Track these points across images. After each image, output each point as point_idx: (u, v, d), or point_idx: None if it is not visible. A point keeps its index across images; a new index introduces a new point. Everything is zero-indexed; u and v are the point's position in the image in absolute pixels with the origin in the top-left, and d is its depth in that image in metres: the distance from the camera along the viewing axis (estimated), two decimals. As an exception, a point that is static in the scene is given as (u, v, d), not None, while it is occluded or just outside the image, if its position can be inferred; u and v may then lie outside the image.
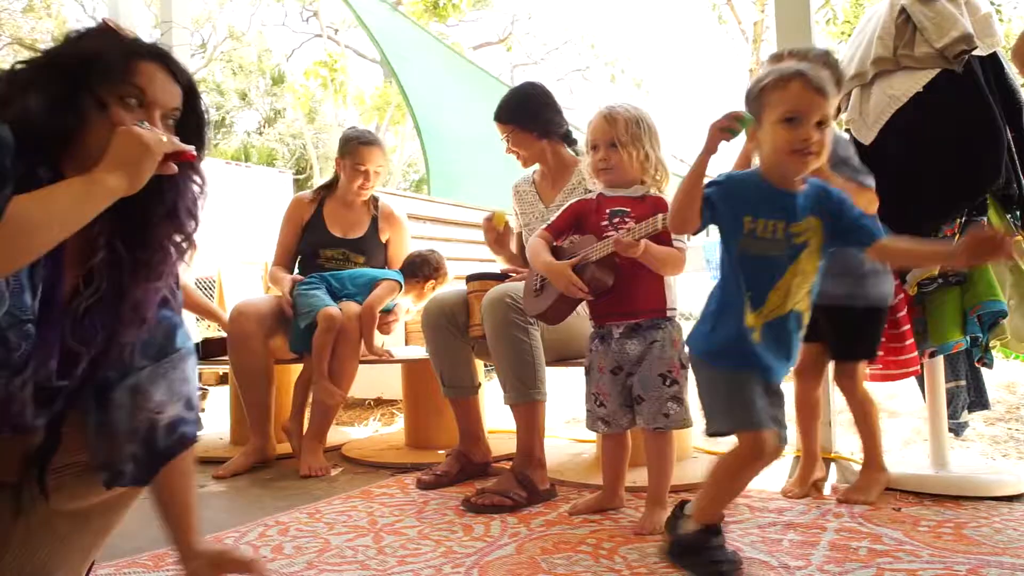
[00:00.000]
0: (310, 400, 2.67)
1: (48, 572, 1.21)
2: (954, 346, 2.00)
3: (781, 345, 1.43)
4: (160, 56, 1.19)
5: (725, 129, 1.38)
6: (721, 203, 1.43)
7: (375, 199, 3.00)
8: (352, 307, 2.66)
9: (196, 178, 1.24)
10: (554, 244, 1.94)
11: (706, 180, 1.43)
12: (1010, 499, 1.86)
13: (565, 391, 3.69)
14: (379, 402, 4.08)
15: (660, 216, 1.68)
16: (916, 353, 2.03)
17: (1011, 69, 2.08)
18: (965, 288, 2.00)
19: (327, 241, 2.89)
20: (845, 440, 2.37)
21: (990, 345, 2.09)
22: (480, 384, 2.43)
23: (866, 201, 1.74)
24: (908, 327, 2.03)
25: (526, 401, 2.08)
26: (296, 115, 18.22)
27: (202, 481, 2.45)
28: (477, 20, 18.40)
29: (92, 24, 1.24)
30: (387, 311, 2.81)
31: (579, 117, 2.66)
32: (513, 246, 2.61)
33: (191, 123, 1.23)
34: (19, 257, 1.02)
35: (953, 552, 1.50)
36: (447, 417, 2.52)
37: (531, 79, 2.79)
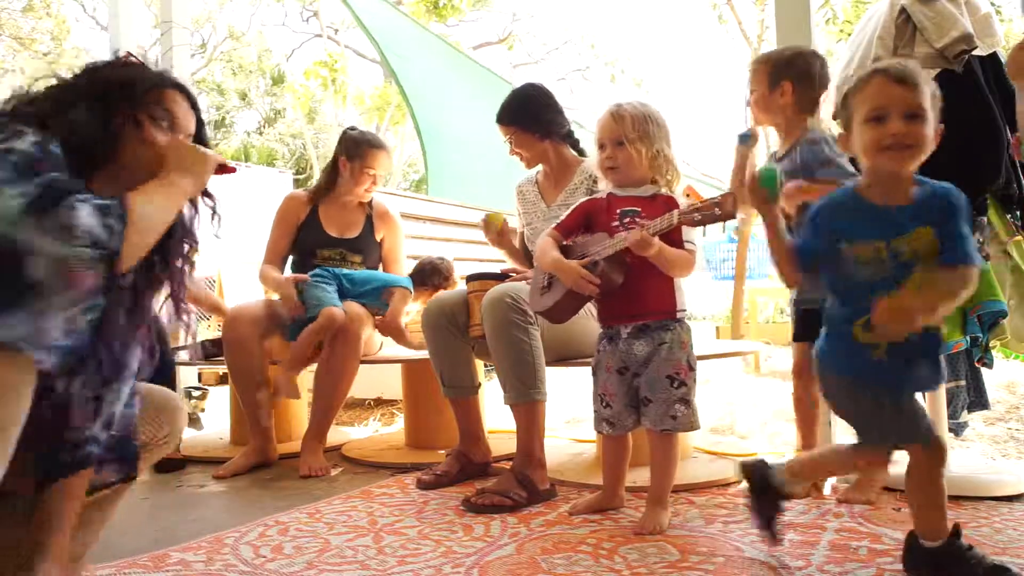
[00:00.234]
0: (309, 401, 2.68)
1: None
2: (954, 346, 2.00)
3: (913, 365, 1.33)
4: (183, 88, 1.35)
5: (759, 195, 1.35)
6: (815, 239, 1.36)
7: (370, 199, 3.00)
8: (354, 308, 2.66)
9: (207, 200, 1.40)
10: (563, 243, 1.93)
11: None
12: (1010, 499, 1.87)
13: (565, 391, 3.69)
14: (379, 402, 4.08)
15: (676, 212, 1.68)
16: (916, 353, 2.03)
17: (1011, 69, 2.09)
18: (965, 288, 2.00)
19: (324, 241, 2.87)
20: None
21: (990, 345, 2.09)
22: (480, 384, 2.43)
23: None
24: (908, 327, 2.03)
25: (526, 401, 2.08)
26: (296, 115, 18.21)
27: (202, 481, 2.45)
28: (477, 20, 18.39)
29: (115, 55, 1.38)
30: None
31: (579, 117, 2.66)
32: (516, 242, 2.62)
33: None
34: (141, 252, 1.16)
35: (953, 552, 1.50)
36: (447, 417, 2.52)
37: (532, 80, 2.79)
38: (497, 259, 2.80)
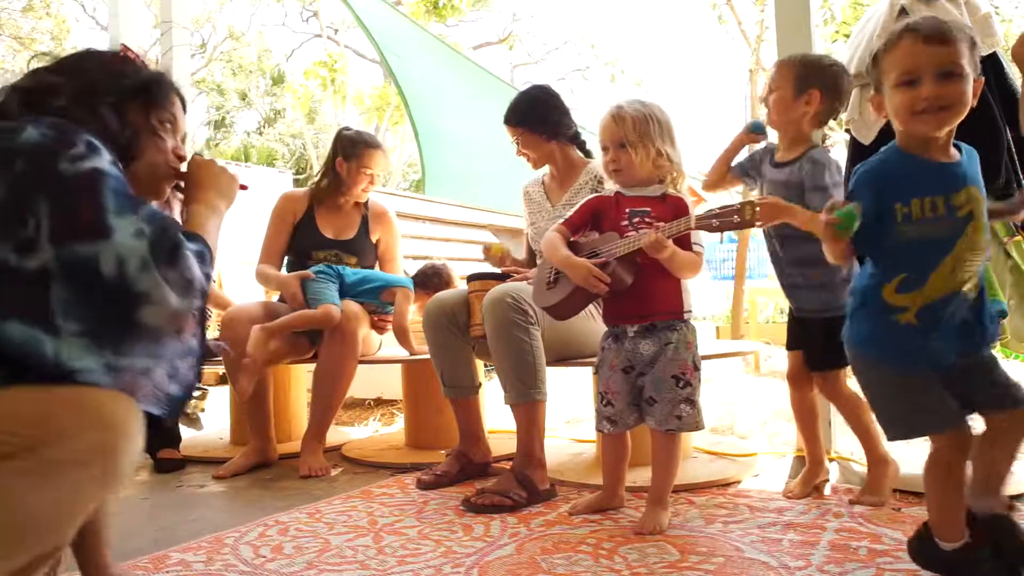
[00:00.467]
0: (308, 400, 2.67)
1: None
2: (954, 346, 2.00)
3: (948, 329, 1.28)
4: (178, 89, 1.35)
5: (833, 231, 1.27)
6: (863, 203, 1.27)
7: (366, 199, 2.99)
8: (352, 306, 2.65)
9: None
10: (571, 240, 1.93)
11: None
12: (1010, 499, 1.86)
13: (565, 391, 3.69)
14: (379, 402, 4.08)
15: (692, 217, 1.69)
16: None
17: (1011, 69, 2.08)
18: (965, 288, 2.00)
19: (319, 242, 2.87)
20: (845, 440, 2.37)
21: (990, 345, 2.09)
22: (480, 384, 2.43)
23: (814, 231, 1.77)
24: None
25: (526, 401, 2.08)
26: (296, 115, 18.22)
27: (202, 481, 2.45)
28: (477, 20, 18.40)
29: (110, 46, 1.39)
30: (387, 312, 2.82)
31: (579, 117, 2.66)
32: (522, 253, 2.63)
33: None
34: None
35: (953, 552, 1.50)
36: (447, 417, 2.52)
37: (532, 80, 2.80)
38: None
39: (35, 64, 1.21)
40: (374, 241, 2.97)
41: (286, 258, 2.95)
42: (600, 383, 1.90)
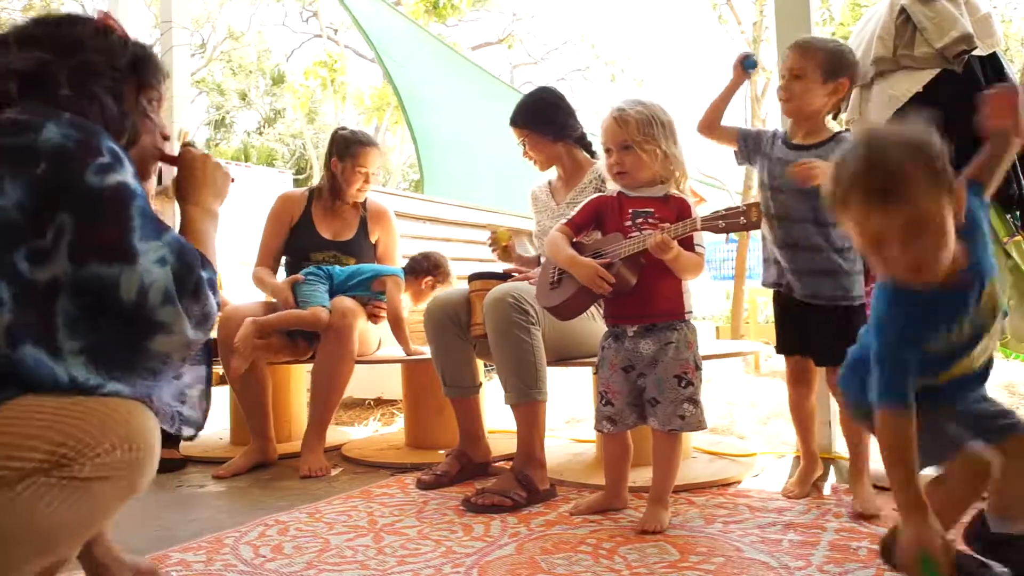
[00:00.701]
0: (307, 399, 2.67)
1: None
2: (954, 346, 1.99)
3: (966, 387, 1.25)
4: (162, 63, 1.27)
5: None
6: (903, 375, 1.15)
7: (363, 199, 2.99)
8: (345, 302, 2.64)
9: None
10: (574, 240, 1.92)
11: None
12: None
13: (566, 391, 3.69)
14: (379, 402, 4.08)
15: (698, 219, 1.69)
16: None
17: (1011, 69, 2.08)
18: (965, 288, 1.99)
19: (317, 244, 2.87)
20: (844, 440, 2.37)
21: (990, 345, 2.09)
22: (481, 384, 2.43)
23: None
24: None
25: (527, 401, 2.08)
26: (296, 115, 18.23)
27: (202, 481, 2.45)
28: (477, 20, 18.39)
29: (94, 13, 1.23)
30: (380, 299, 2.80)
31: (580, 117, 2.66)
32: (530, 250, 2.63)
33: None
34: None
35: (953, 552, 1.50)
36: (447, 417, 2.52)
37: (537, 81, 2.81)
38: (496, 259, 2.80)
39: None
40: (373, 241, 2.97)
41: (284, 259, 2.96)
42: (600, 383, 1.90)
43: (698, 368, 1.82)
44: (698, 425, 1.81)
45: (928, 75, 1.99)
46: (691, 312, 1.87)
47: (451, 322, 2.31)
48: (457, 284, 2.88)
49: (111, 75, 1.12)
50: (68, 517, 0.92)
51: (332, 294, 2.70)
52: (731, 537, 1.66)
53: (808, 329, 1.94)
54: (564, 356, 2.26)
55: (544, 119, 2.44)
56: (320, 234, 2.88)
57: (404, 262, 3.03)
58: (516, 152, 2.52)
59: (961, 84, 1.97)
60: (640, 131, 1.81)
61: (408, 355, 2.76)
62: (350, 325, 2.59)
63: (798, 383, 2.00)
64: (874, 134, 1.15)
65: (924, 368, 1.19)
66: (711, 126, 2.08)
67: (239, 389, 2.63)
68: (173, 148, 1.33)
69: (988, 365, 1.27)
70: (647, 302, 1.81)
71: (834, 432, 2.32)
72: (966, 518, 1.33)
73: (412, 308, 2.90)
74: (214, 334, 2.73)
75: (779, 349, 2.04)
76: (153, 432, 1.00)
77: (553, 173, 2.53)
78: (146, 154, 1.22)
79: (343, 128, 2.96)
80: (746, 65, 2.02)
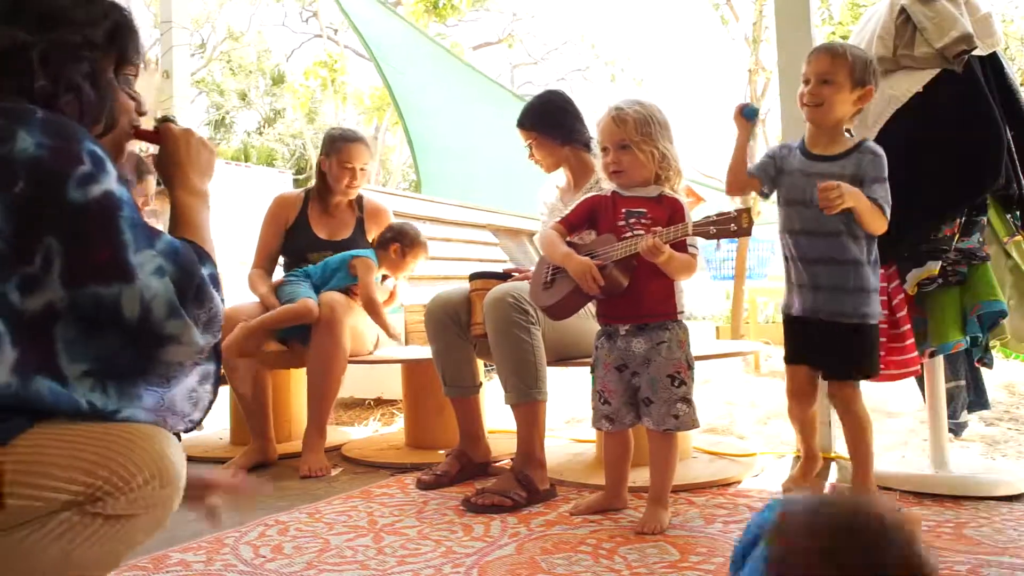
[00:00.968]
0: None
1: None
2: (954, 346, 2.00)
3: None
4: (138, 31, 1.17)
5: None
6: None
7: (360, 198, 2.98)
8: (333, 296, 2.63)
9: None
10: (568, 240, 1.92)
11: None
12: (1010, 499, 1.86)
13: (566, 391, 3.69)
14: (379, 402, 4.08)
15: (689, 224, 1.68)
16: (916, 353, 2.03)
17: (1011, 69, 2.08)
18: (965, 288, 2.00)
19: (313, 244, 2.87)
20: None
21: (990, 345, 2.09)
22: (481, 383, 2.43)
23: (879, 224, 1.75)
24: (908, 327, 2.03)
25: (527, 401, 2.08)
26: (296, 115, 18.23)
27: (202, 481, 2.45)
28: (477, 20, 18.39)
29: None
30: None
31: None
32: (530, 252, 2.62)
33: None
34: None
35: (953, 552, 1.50)
36: (447, 417, 2.52)
37: (536, 81, 2.81)
38: (497, 259, 2.80)
39: None
40: (370, 241, 2.97)
41: (283, 260, 2.96)
42: (597, 382, 1.90)
43: (691, 367, 1.83)
44: (692, 424, 1.81)
45: (928, 75, 1.99)
46: (683, 312, 1.87)
47: (451, 322, 2.31)
48: (456, 284, 2.88)
49: (89, 55, 1.03)
50: (99, 554, 0.89)
51: (316, 291, 2.70)
52: (731, 537, 1.66)
53: (819, 342, 1.86)
54: (563, 356, 2.26)
55: (552, 122, 2.43)
56: (316, 234, 2.88)
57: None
58: (514, 156, 2.51)
59: (961, 84, 1.97)
60: (638, 130, 1.81)
61: (389, 335, 2.74)
62: (339, 319, 2.58)
63: (800, 396, 1.94)
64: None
65: None
66: (739, 186, 1.99)
67: (239, 390, 2.63)
68: (150, 124, 1.23)
69: None
70: (639, 302, 1.82)
71: (834, 432, 2.32)
72: None
73: (398, 280, 2.88)
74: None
75: (788, 359, 1.95)
76: (181, 465, 0.97)
77: (559, 177, 2.52)
78: (121, 134, 1.14)
79: (334, 128, 2.98)
80: (746, 114, 1.94)
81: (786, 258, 1.93)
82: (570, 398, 3.66)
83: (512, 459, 2.17)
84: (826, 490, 2.00)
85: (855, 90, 1.81)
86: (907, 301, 2.04)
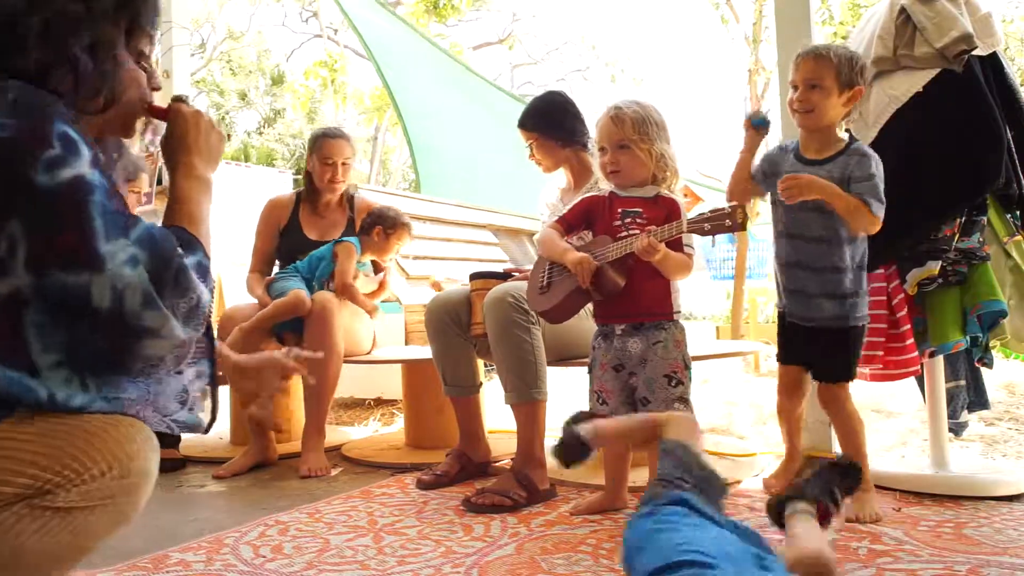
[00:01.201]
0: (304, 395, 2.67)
1: None
2: (954, 346, 2.00)
3: None
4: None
5: None
6: None
7: (350, 198, 2.99)
8: (324, 294, 2.62)
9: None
10: (564, 239, 1.92)
11: None
12: (1010, 499, 1.86)
13: (566, 391, 3.69)
14: (379, 402, 4.08)
15: (684, 221, 1.68)
16: (916, 353, 2.03)
17: (1011, 69, 2.08)
18: (965, 288, 2.00)
19: (304, 245, 2.87)
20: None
21: (990, 345, 2.09)
22: (481, 383, 2.43)
23: (866, 222, 1.75)
24: (908, 327, 2.03)
25: (527, 401, 2.08)
26: (296, 115, 18.23)
27: (202, 481, 2.45)
28: (477, 20, 18.40)
29: None
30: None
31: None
32: (530, 252, 2.62)
33: None
34: None
35: (953, 552, 1.50)
36: (447, 417, 2.52)
37: (536, 81, 2.81)
38: (497, 259, 2.80)
39: None
40: None
41: (277, 263, 2.97)
42: (594, 382, 1.90)
43: (687, 367, 1.83)
44: None
45: (928, 75, 1.99)
46: (680, 312, 1.87)
47: (452, 321, 2.31)
48: (456, 284, 2.88)
49: (90, 26, 0.97)
50: (53, 547, 0.88)
51: (310, 286, 2.70)
52: (731, 537, 1.66)
53: (808, 343, 1.89)
54: (564, 356, 2.26)
55: (553, 123, 2.43)
56: (307, 235, 2.89)
57: (404, 262, 3.03)
58: (514, 158, 2.51)
59: (961, 84, 1.96)
60: (636, 130, 1.82)
61: (369, 313, 2.74)
62: (331, 316, 2.57)
63: (790, 392, 1.97)
64: None
65: None
66: (741, 194, 1.98)
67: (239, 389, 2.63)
68: (163, 101, 1.18)
69: None
70: (635, 301, 1.82)
71: (832, 432, 2.32)
72: None
73: (386, 262, 2.88)
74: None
75: (780, 358, 1.99)
76: (149, 456, 0.94)
77: (561, 178, 2.52)
78: (131, 111, 1.09)
79: (318, 128, 2.99)
80: (756, 124, 1.92)
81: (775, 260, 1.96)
82: (570, 398, 3.65)
83: (512, 459, 2.17)
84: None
85: (844, 92, 1.82)
86: (907, 301, 2.04)
